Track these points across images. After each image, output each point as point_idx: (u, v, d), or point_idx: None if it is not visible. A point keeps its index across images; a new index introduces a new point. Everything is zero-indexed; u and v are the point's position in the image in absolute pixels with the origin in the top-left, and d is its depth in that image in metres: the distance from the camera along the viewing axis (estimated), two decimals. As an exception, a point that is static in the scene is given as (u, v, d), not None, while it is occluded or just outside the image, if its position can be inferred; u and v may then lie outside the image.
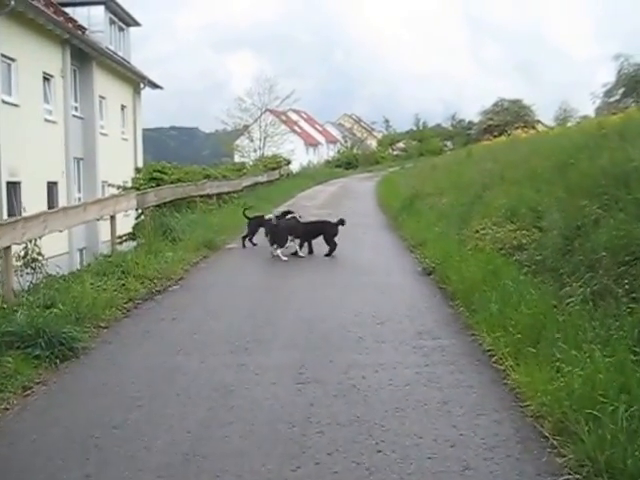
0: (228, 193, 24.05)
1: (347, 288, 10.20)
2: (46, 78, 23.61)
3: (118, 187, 18.56)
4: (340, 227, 13.56)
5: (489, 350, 6.65)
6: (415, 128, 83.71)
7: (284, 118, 65.39)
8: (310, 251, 13.52)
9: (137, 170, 20.37)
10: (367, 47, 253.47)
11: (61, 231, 10.27)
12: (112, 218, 12.77)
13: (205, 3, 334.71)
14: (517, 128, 53.35)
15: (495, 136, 51.39)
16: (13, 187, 20.36)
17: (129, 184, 20.82)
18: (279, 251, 13.01)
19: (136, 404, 5.53)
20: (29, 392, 5.87)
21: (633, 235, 7.54)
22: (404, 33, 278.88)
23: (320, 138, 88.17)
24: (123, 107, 32.12)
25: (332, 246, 13.27)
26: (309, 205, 24.24)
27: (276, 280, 11.18)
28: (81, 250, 24.24)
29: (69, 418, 5.29)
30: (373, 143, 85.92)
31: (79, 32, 25.10)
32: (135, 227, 17.17)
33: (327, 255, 13.21)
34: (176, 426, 5.05)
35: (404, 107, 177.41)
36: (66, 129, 24.88)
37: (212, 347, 7.12)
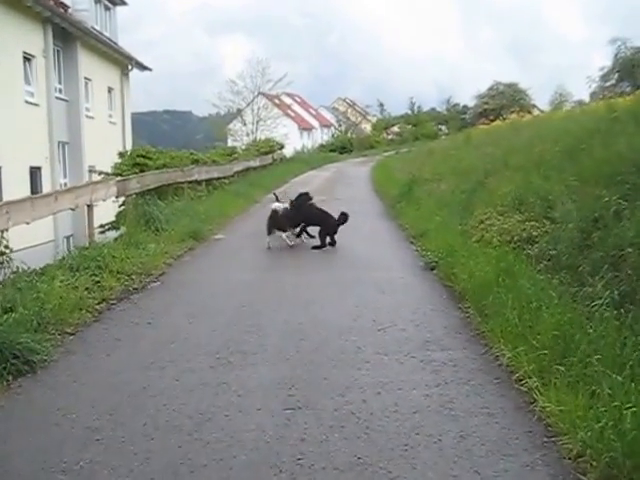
0: (218, 179, 23.08)
1: (344, 286, 9.25)
2: (27, 58, 22.50)
3: (99, 173, 17.55)
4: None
5: (508, 365, 5.75)
6: (410, 112, 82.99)
7: (277, 102, 64.33)
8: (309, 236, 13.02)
9: (120, 155, 19.23)
10: (361, 30, 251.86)
11: (28, 223, 9.31)
12: (89, 207, 11.83)
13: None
14: (512, 112, 52.75)
15: (491, 120, 51.05)
16: (-8, 172, 19.40)
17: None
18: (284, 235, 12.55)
19: (94, 438, 4.62)
20: (-33, 420, 4.96)
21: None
22: (398, 16, 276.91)
23: (314, 122, 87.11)
24: (110, 89, 31.03)
25: (323, 242, 12.48)
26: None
27: (266, 276, 10.21)
28: (68, 238, 23.21)
29: (9, 459, 4.38)
30: (367, 127, 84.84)
31: (61, 10, 23.97)
32: (118, 215, 16.18)
33: (315, 248, 12.47)
34: (137, 471, 4.14)
35: (398, 91, 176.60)
36: (49, 112, 23.79)
37: (190, 360, 6.20)
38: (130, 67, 32.60)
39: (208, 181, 21.39)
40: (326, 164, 45.54)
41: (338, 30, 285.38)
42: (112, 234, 15.22)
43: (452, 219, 12.68)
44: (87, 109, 27.38)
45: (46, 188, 21.85)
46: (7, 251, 9.48)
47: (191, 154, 21.89)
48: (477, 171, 16.25)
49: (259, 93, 55.25)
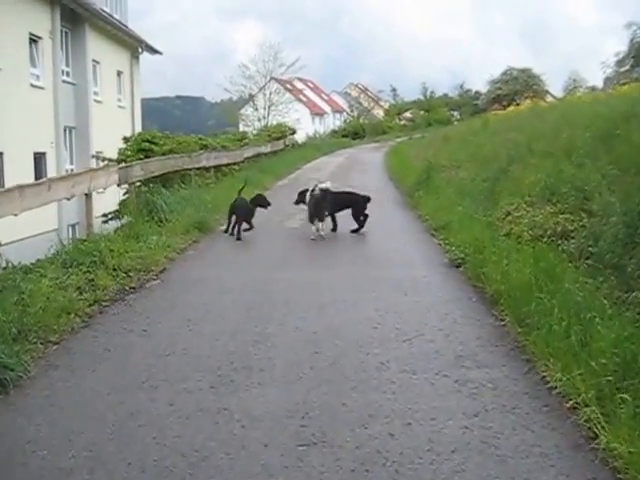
0: (228, 165, 22.21)
1: (361, 286, 8.37)
2: (33, 40, 21.75)
3: (103, 159, 16.71)
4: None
5: (558, 388, 4.91)
6: (422, 97, 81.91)
7: (289, 87, 63.56)
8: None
9: (125, 140, 18.34)
10: (374, 15, 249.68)
11: (16, 215, 8.49)
12: (87, 197, 11.01)
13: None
14: (527, 98, 51.72)
15: (504, 106, 50.34)
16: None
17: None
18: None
19: (66, 483, 3.82)
20: None
21: None
22: (411, 1, 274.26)
23: (326, 107, 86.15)
24: (120, 73, 30.24)
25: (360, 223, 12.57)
26: (315, 178, 22.38)
27: (274, 275, 9.21)
28: (73, 226, 22.43)
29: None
30: (380, 112, 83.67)
31: (70, -10, 23.13)
32: (121, 204, 15.35)
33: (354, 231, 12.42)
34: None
35: (411, 76, 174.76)
36: (55, 95, 23.03)
37: (187, 377, 5.36)
38: (140, 50, 31.80)
39: (217, 167, 20.53)
40: (338, 150, 44.54)
41: (351, 15, 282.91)
42: (115, 224, 14.44)
43: (475, 210, 11.81)
44: (95, 93, 26.63)
45: (51, 174, 21.07)
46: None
47: (200, 139, 20.98)
48: (499, 158, 15.37)
49: (271, 78, 54.75)
